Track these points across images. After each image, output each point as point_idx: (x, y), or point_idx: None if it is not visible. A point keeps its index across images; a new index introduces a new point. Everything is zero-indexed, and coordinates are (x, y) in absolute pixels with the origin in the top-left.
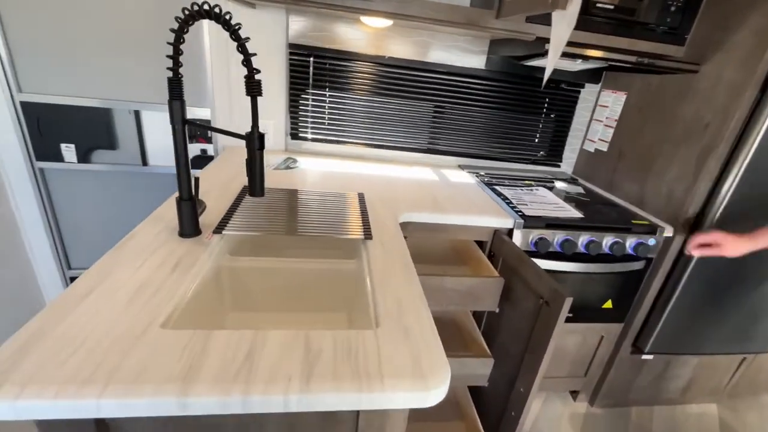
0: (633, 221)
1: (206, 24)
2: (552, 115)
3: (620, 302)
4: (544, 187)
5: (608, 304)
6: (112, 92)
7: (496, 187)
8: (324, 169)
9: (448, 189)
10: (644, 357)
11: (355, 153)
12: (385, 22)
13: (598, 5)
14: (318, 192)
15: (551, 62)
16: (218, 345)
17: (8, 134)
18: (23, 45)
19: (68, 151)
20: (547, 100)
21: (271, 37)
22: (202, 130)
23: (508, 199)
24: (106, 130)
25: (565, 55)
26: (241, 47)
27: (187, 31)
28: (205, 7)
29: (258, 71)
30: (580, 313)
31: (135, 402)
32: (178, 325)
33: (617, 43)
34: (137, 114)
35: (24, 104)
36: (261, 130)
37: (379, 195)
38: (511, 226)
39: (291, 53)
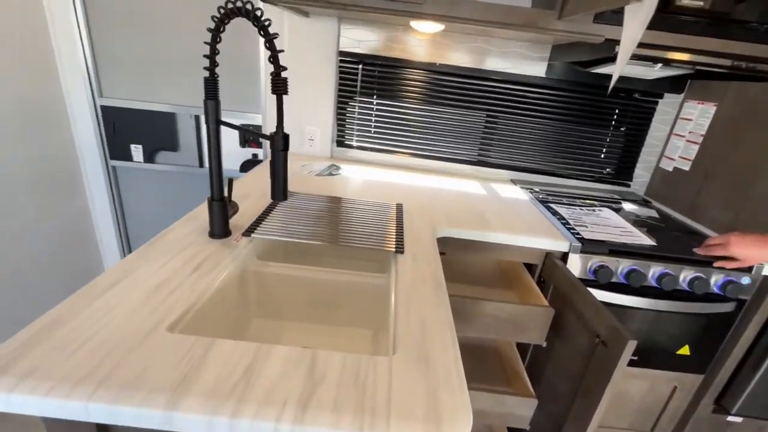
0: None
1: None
2: (622, 129)
3: (701, 349)
4: (609, 208)
5: (685, 350)
6: (177, 98)
7: (552, 205)
8: (366, 178)
9: (496, 204)
10: (730, 419)
11: (401, 163)
12: (436, 27)
13: (684, 2)
14: (355, 200)
15: (620, 65)
16: (219, 356)
17: (89, 135)
18: (107, 56)
19: (136, 151)
20: (617, 111)
21: (323, 45)
22: (249, 135)
23: (564, 219)
24: (170, 133)
25: (641, 58)
26: (269, 43)
27: (224, 30)
28: (238, 4)
29: (284, 68)
30: (648, 357)
31: (123, 409)
32: (187, 329)
33: (707, 45)
34: (197, 119)
35: (103, 108)
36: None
37: (420, 207)
38: (566, 250)
39: (341, 61)
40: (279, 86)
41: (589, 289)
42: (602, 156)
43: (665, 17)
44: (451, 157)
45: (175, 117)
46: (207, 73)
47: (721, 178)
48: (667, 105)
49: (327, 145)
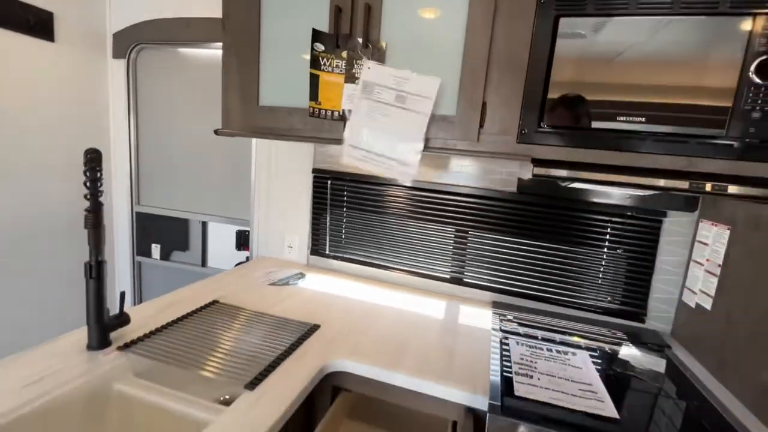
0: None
1: (254, 156)
2: (618, 250)
3: None
4: (597, 351)
5: None
6: (190, 207)
7: (511, 341)
8: (319, 290)
9: (436, 334)
10: None
11: (373, 275)
12: None
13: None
14: (272, 318)
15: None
16: None
17: (125, 236)
18: (144, 172)
19: (155, 249)
20: (608, 230)
21: (302, 162)
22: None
23: (509, 363)
24: (183, 235)
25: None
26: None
27: (100, 172)
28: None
29: (102, 204)
30: None
31: None
32: None
33: (669, 164)
34: (204, 224)
35: (137, 214)
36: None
37: (340, 329)
38: (483, 408)
39: (315, 177)
40: (87, 221)
41: None
42: (599, 281)
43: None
44: (424, 273)
45: (188, 222)
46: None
47: (743, 327)
48: (678, 225)
49: (304, 253)
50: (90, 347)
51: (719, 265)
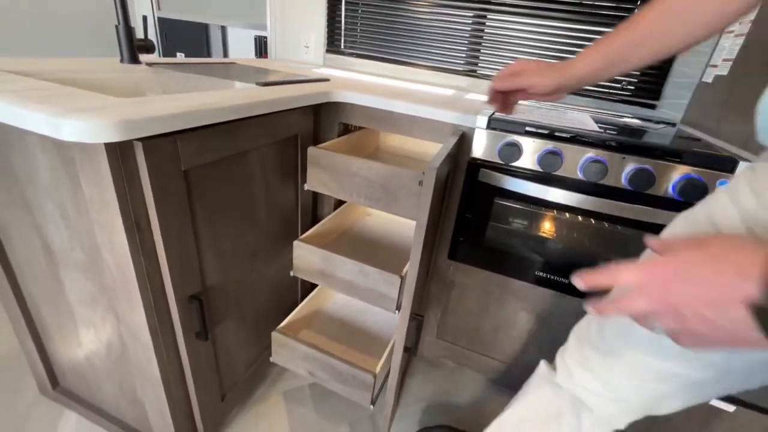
0: (693, 149)
1: None
2: None
3: None
4: (595, 116)
5: None
6: (208, 12)
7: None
8: (331, 73)
9: (440, 97)
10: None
11: (388, 72)
12: None
13: None
14: (285, 74)
15: None
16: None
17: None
18: None
19: (180, 58)
20: (638, 2)
21: None
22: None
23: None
24: (205, 41)
25: None
26: None
27: None
28: None
29: None
30: None
31: None
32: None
33: None
34: (223, 30)
35: (160, 20)
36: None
37: (347, 84)
38: (471, 125)
39: None
40: None
41: (506, 177)
42: None
43: None
44: (440, 66)
45: (208, 28)
46: None
47: (753, 74)
48: None
49: (320, 52)
50: (122, 61)
51: (750, 21)
